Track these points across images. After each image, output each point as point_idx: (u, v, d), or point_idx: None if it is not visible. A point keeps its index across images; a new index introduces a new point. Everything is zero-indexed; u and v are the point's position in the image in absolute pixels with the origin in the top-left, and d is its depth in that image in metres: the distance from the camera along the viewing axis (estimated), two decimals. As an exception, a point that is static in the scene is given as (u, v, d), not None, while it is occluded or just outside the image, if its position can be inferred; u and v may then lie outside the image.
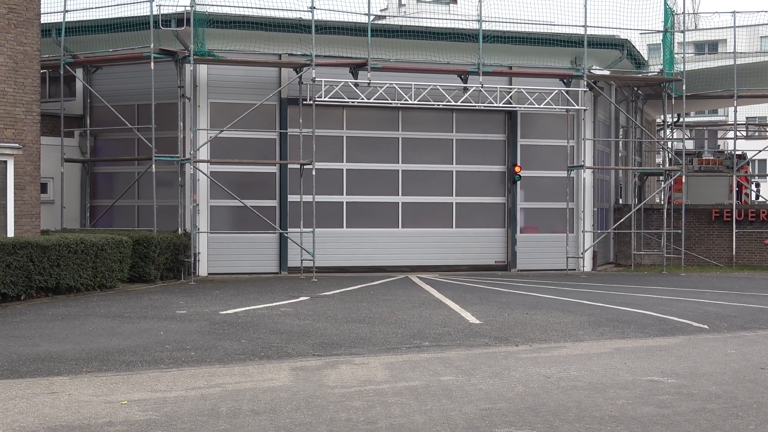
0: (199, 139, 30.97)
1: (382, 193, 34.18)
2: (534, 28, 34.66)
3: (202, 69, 31.53)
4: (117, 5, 31.12)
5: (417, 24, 35.01)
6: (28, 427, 10.48)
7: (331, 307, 22.19)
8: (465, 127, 34.92)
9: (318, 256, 31.34)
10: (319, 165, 31.78)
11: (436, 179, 34.65)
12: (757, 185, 49.82)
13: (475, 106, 32.95)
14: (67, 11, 31.53)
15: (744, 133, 51.72)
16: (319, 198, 32.05)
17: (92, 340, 16.62)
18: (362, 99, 31.65)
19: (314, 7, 30.30)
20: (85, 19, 32.08)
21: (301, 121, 31.38)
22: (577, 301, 24.08)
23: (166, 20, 29.91)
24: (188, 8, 29.30)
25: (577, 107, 33.91)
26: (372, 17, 31.78)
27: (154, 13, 29.46)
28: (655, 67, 39.71)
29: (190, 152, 30.44)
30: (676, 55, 36.06)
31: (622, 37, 35.39)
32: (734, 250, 38.48)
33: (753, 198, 47.27)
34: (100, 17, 31.76)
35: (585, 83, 33.90)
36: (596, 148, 36.67)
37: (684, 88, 35.95)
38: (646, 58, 41.49)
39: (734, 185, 41.48)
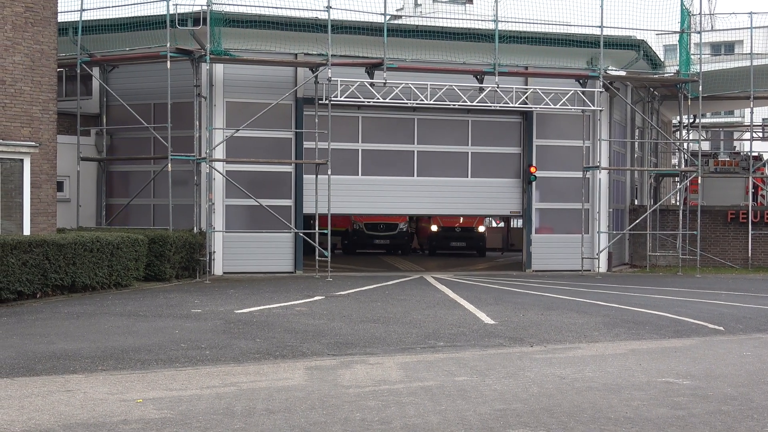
0: (215, 138, 31.02)
1: (398, 142, 34.37)
2: (550, 29, 34.60)
3: (218, 68, 31.56)
4: (134, 4, 31.16)
5: (433, 24, 34.96)
6: (43, 424, 10.51)
7: (345, 306, 22.21)
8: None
9: (333, 204, 31.55)
10: (335, 113, 31.80)
11: (451, 128, 34.82)
12: (773, 187, 49.63)
13: (490, 106, 32.91)
14: (84, 10, 31.60)
15: (760, 134, 51.55)
16: (335, 145, 32.04)
17: (107, 339, 16.67)
18: (378, 99, 31.64)
19: (330, 7, 30.32)
20: (101, 18, 32.13)
21: (316, 120, 31.41)
22: (592, 302, 24.05)
23: (183, 19, 29.97)
24: (205, 7, 29.34)
25: (592, 108, 33.84)
26: (388, 17, 31.76)
27: (171, 12, 29.54)
28: (671, 68, 39.61)
29: (205, 151, 30.49)
30: (692, 56, 35.96)
31: (638, 38, 35.33)
32: (750, 251, 38.37)
33: (769, 199, 47.11)
34: (117, 16, 31.81)
35: (601, 84, 33.85)
36: (612, 148, 36.60)
37: (700, 89, 35.86)
38: (662, 59, 41.43)
39: (750, 186, 41.35)
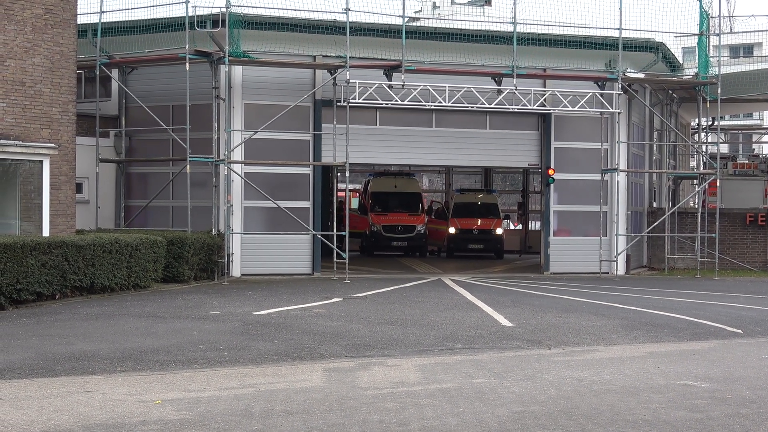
0: (234, 140, 31.07)
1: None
2: (568, 31, 34.50)
3: (237, 70, 31.61)
4: (153, 6, 31.19)
5: (451, 26, 34.94)
6: (63, 425, 10.56)
7: (363, 308, 22.23)
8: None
9: (351, 154, 31.36)
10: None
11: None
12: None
13: (509, 108, 32.88)
14: (103, 12, 31.66)
15: (779, 137, 51.43)
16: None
17: (126, 340, 16.72)
18: (396, 101, 31.64)
19: (349, 9, 30.34)
20: (121, 19, 32.20)
21: (334, 123, 31.42)
22: (610, 304, 24.01)
23: (202, 21, 30.02)
24: (223, 9, 29.39)
25: (611, 110, 33.79)
26: (406, 19, 31.75)
27: (190, 14, 29.58)
28: (690, 71, 39.49)
29: (224, 153, 30.54)
30: (711, 59, 35.86)
31: (656, 40, 35.26)
32: (769, 254, 38.30)
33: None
34: (136, 18, 31.86)
35: (619, 86, 33.79)
36: (630, 151, 36.53)
37: (719, 91, 35.70)
38: (681, 61, 41.32)
39: (769, 189, 41.23)
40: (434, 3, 45.44)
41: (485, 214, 46.35)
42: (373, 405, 11.75)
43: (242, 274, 31.52)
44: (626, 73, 34.54)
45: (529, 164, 36.88)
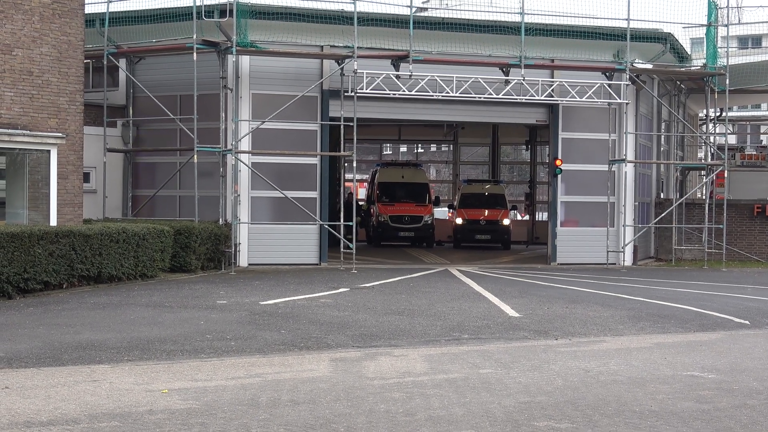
0: (241, 129, 31.06)
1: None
2: (576, 21, 34.45)
3: (245, 60, 31.60)
4: (160, -4, 31.28)
5: (459, 16, 34.88)
6: (69, 414, 10.57)
7: (370, 298, 22.23)
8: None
9: (360, 110, 31.37)
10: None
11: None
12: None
13: (516, 98, 32.83)
14: (110, 1, 31.66)
15: (787, 128, 51.29)
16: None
17: (133, 329, 16.74)
18: (404, 91, 31.60)
19: (356, -1, 30.35)
20: (128, 9, 32.22)
21: (342, 113, 31.41)
22: (617, 295, 24.00)
23: (209, 11, 29.98)
24: (231, -1, 29.41)
25: (619, 101, 33.72)
26: (414, 9, 31.72)
27: (197, 3, 29.53)
28: (698, 61, 39.38)
29: (231, 143, 30.52)
30: (719, 49, 35.79)
31: (665, 31, 35.19)
32: (776, 245, 38.23)
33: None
34: (144, 8, 31.89)
35: (627, 77, 33.70)
36: (638, 141, 36.47)
37: (727, 82, 35.63)
38: (689, 52, 41.22)
39: (777, 180, 41.14)
40: (442, -7, 45.41)
41: (492, 205, 46.34)
42: (379, 395, 11.75)
43: (249, 264, 31.53)
44: (634, 64, 34.47)
45: (536, 120, 36.79)
